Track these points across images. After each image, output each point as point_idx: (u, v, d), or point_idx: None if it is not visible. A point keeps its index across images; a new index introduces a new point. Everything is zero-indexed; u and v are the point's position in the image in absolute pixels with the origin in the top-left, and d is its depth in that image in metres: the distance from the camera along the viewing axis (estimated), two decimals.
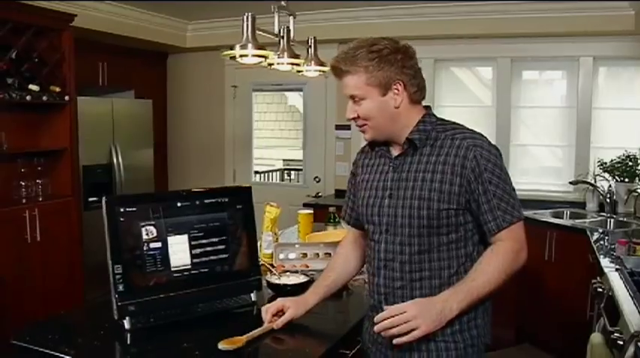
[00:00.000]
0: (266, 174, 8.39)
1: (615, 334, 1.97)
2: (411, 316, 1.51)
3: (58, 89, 4.19)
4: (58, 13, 4.17)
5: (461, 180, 1.62)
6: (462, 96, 5.33)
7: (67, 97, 4.27)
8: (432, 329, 1.54)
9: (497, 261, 1.61)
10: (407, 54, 1.68)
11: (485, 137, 1.69)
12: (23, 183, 4.23)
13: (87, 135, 4.77)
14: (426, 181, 1.65)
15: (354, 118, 1.73)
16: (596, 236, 3.69)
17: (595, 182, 4.52)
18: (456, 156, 1.63)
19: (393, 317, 1.53)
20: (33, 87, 4.00)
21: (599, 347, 2.23)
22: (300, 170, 6.50)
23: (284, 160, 9.62)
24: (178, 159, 6.49)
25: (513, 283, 4.15)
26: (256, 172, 6.87)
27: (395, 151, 1.77)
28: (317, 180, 5.83)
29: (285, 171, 9.10)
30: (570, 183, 4.63)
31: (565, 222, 4.35)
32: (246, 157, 6.26)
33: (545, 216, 4.44)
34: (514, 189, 1.67)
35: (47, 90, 4.13)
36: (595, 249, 3.26)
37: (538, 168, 5.13)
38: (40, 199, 4.25)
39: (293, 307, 1.91)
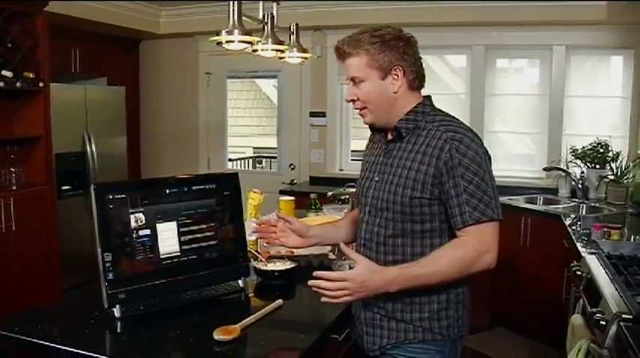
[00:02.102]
0: (238, 162, 8.37)
1: (597, 315, 2.03)
2: (348, 288, 1.57)
3: (32, 75, 4.09)
4: None
5: (434, 171, 1.64)
6: (434, 84, 5.36)
7: (41, 84, 4.17)
8: (361, 299, 1.66)
9: (453, 255, 1.61)
10: (408, 42, 1.72)
11: (472, 133, 1.69)
12: None
13: (59, 123, 4.66)
14: (405, 169, 1.70)
15: (352, 100, 1.75)
16: (568, 221, 3.76)
17: (567, 168, 4.62)
18: (435, 147, 1.66)
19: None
20: (6, 73, 3.90)
21: (580, 328, 2.30)
22: (273, 158, 6.49)
23: (254, 148, 9.62)
24: (152, 147, 6.41)
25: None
26: (230, 160, 6.84)
27: (389, 137, 1.81)
28: (292, 167, 5.83)
29: (257, 159, 9.10)
30: (544, 169, 4.72)
31: (539, 207, 4.44)
32: (220, 145, 6.21)
33: (519, 201, 4.52)
34: (494, 190, 1.64)
35: (21, 77, 4.02)
36: (571, 233, 3.33)
37: (511, 155, 5.21)
38: (14, 188, 4.16)
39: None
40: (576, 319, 2.40)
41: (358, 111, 1.79)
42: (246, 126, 9.76)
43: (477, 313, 4.30)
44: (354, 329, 1.90)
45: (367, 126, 1.90)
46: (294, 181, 5.73)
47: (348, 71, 1.74)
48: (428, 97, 1.81)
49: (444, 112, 1.80)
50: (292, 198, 3.30)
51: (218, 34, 2.39)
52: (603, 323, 1.98)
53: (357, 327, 1.86)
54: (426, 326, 1.71)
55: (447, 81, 5.42)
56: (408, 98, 1.75)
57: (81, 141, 5.04)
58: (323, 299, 1.60)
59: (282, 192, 4.90)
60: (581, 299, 2.50)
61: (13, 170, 4.21)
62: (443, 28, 5.05)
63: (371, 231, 1.77)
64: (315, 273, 1.60)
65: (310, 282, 1.59)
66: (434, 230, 1.69)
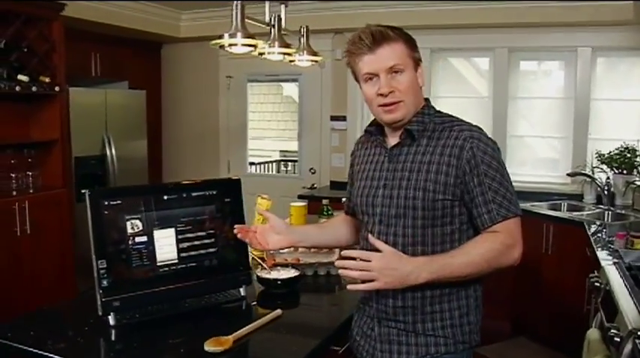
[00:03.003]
0: (263, 166, 8.33)
1: (612, 330, 1.92)
2: (373, 268, 1.50)
3: (47, 79, 4.11)
4: (48, 3, 4.08)
5: (456, 171, 1.58)
6: (459, 86, 5.27)
7: (57, 88, 4.18)
8: (388, 288, 1.55)
9: (484, 247, 1.56)
10: None
11: (484, 130, 1.66)
12: (13, 175, 4.16)
13: (79, 127, 4.73)
14: (422, 172, 1.62)
15: (391, 92, 1.62)
16: (593, 228, 3.65)
17: (593, 174, 4.47)
18: (453, 147, 1.60)
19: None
20: (22, 77, 3.92)
21: (595, 343, 2.19)
22: (297, 161, 6.46)
23: (281, 151, 9.56)
24: (173, 150, 6.43)
25: (509, 275, 4.14)
26: (252, 163, 6.81)
27: (391, 141, 1.73)
28: (312, 171, 5.78)
29: (282, 163, 9.05)
30: (568, 174, 4.57)
31: (562, 214, 4.30)
32: (240, 148, 6.20)
33: (543, 208, 4.39)
34: (512, 184, 1.62)
35: (37, 81, 4.04)
36: (592, 242, 3.21)
37: (535, 159, 5.08)
38: (31, 191, 4.18)
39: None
40: (592, 333, 2.28)
41: (386, 107, 1.64)
42: (271, 130, 9.71)
43: (498, 322, 4.24)
44: (360, 346, 1.77)
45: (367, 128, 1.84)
46: (315, 185, 5.68)
47: (388, 58, 1.60)
48: (428, 99, 1.75)
49: (446, 113, 1.74)
50: (304, 203, 3.25)
51: (221, 37, 2.35)
52: (618, 339, 1.87)
53: (366, 344, 1.74)
54: (448, 335, 1.63)
55: (472, 83, 5.30)
56: (422, 96, 1.72)
57: (101, 145, 5.06)
58: (349, 286, 1.54)
59: (301, 197, 4.86)
60: (599, 313, 2.38)
61: (29, 173, 4.23)
62: (465, 30, 4.96)
63: (385, 242, 1.64)
64: (343, 252, 1.56)
65: (337, 262, 1.54)
66: (454, 232, 1.63)
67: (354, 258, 1.53)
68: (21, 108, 4.27)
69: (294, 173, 7.94)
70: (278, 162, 9.06)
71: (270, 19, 2.74)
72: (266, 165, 8.56)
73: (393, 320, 1.67)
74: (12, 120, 4.24)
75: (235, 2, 2.33)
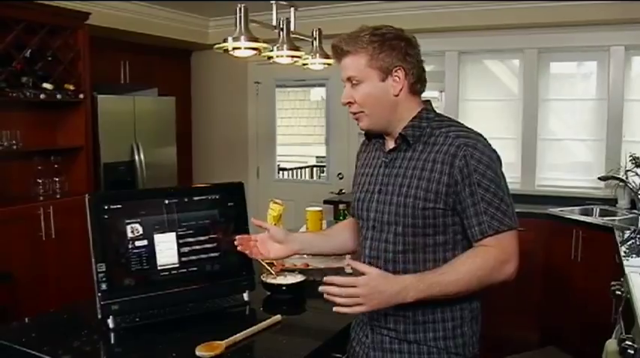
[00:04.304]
0: (296, 171, 8.33)
1: (627, 342, 1.82)
2: (359, 294, 1.45)
3: (72, 87, 4.19)
4: (72, 12, 4.17)
5: (448, 179, 1.52)
6: (491, 88, 5.15)
7: (81, 95, 4.27)
8: (375, 310, 1.51)
9: (474, 264, 1.50)
10: (410, 43, 1.61)
11: (483, 138, 1.59)
12: (40, 181, 4.25)
13: (108, 133, 4.81)
14: (414, 179, 1.57)
15: (349, 103, 1.63)
16: (627, 234, 3.51)
17: (627, 178, 4.30)
18: (446, 154, 1.54)
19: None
20: (47, 85, 4.01)
21: (613, 355, 2.08)
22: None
23: (317, 157, 9.55)
24: (202, 157, 6.48)
25: (538, 283, 3.99)
26: (283, 169, 6.81)
27: (389, 144, 1.69)
28: (340, 176, 5.74)
29: (318, 168, 9.03)
30: (599, 178, 4.42)
31: (594, 219, 4.14)
32: (269, 154, 6.21)
33: (574, 213, 4.24)
34: (509, 196, 1.56)
35: (61, 89, 4.13)
36: (620, 248, 3.08)
37: (567, 162, 4.92)
38: (58, 197, 4.26)
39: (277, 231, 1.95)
40: (611, 344, 2.18)
41: (353, 115, 1.66)
42: (310, 135, 9.71)
43: (527, 331, 4.11)
44: (355, 352, 1.74)
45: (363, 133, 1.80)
46: (342, 191, 5.63)
47: (345, 71, 1.62)
48: (429, 102, 1.69)
49: (448, 117, 1.68)
50: (320, 208, 3.21)
51: (225, 40, 2.34)
52: (632, 351, 1.77)
53: (361, 351, 1.71)
54: (441, 347, 1.58)
55: (507, 83, 5.16)
56: (409, 103, 1.63)
57: (129, 151, 5.13)
58: (335, 308, 1.49)
59: (327, 202, 4.82)
60: (620, 322, 2.28)
61: (56, 179, 4.32)
62: (494, 32, 4.85)
63: (377, 248, 1.64)
64: (325, 278, 1.51)
65: (321, 288, 1.49)
66: (447, 242, 1.57)
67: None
68: (47, 115, 4.37)
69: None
70: (311, 167, 9.05)
71: (278, 23, 2.72)
72: (299, 170, 8.57)
73: (384, 327, 1.63)
74: (39, 127, 4.33)
75: (238, 6, 2.32)
